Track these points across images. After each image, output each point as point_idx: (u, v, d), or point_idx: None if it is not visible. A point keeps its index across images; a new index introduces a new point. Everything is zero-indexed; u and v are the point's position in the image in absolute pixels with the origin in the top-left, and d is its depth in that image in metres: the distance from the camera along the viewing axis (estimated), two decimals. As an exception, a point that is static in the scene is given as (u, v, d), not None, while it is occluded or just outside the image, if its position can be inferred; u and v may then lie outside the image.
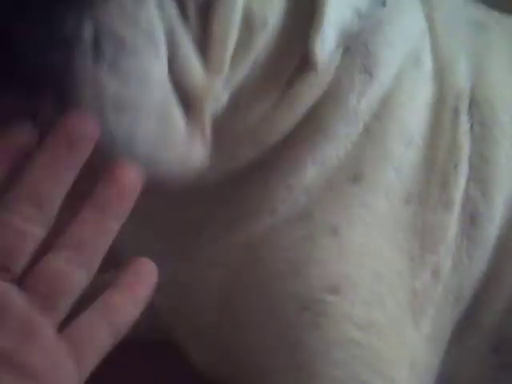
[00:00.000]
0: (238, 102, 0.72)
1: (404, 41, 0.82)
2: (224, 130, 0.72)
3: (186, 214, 0.81)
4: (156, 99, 0.62)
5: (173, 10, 0.63)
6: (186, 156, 0.68)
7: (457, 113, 0.83)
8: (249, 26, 0.68)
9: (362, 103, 0.79)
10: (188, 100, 0.66)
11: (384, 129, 0.80)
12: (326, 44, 0.72)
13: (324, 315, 0.77)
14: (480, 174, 0.82)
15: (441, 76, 0.83)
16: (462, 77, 0.84)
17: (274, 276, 0.78)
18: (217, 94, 0.69)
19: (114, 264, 0.72)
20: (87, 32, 0.57)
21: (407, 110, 0.81)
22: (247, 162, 0.78)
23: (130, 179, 0.59)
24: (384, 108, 0.80)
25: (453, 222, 0.81)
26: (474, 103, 0.83)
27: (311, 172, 0.78)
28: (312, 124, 0.78)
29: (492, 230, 0.83)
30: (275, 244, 0.78)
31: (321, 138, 0.78)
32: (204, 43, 0.65)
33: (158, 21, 0.62)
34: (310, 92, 0.77)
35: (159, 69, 0.62)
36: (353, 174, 0.78)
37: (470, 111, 0.83)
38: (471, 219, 0.82)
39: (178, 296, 0.84)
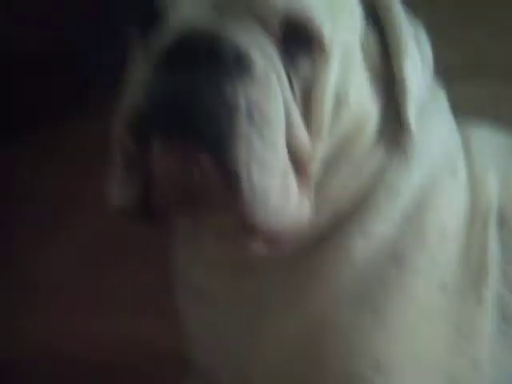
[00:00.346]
0: (326, 169, 0.84)
1: (441, 139, 0.93)
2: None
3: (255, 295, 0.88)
4: (280, 161, 0.76)
5: (287, 90, 0.78)
6: (299, 212, 0.79)
7: (487, 221, 0.92)
8: (337, 100, 0.82)
9: (405, 186, 0.89)
10: (297, 163, 0.78)
11: (423, 219, 0.89)
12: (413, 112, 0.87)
13: None
14: (509, 276, 0.90)
15: (473, 190, 0.93)
16: (491, 193, 0.94)
17: (329, 355, 0.85)
18: (318, 159, 0.81)
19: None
20: (242, 101, 0.73)
21: (445, 210, 0.90)
22: (312, 237, 0.86)
23: None
24: (424, 201, 0.89)
25: (485, 317, 0.89)
26: (502, 216, 0.93)
27: (359, 245, 0.87)
28: (362, 200, 0.88)
29: None
30: (331, 324, 0.86)
31: (368, 214, 0.87)
32: (306, 116, 0.80)
33: (280, 98, 0.77)
34: (374, 161, 0.88)
35: (282, 137, 0.76)
36: (393, 255, 0.87)
37: (499, 221, 0.93)
38: (503, 316, 0.90)
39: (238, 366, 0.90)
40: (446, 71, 0.95)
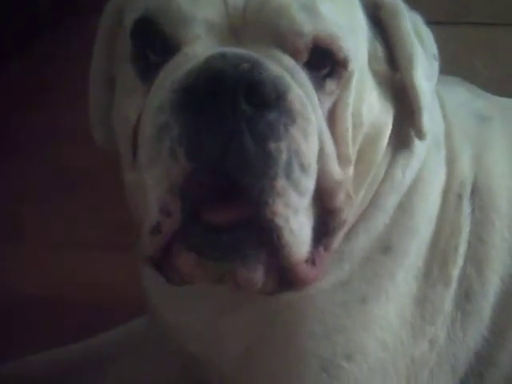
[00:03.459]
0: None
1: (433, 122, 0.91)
2: None
3: None
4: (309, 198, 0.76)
5: (320, 117, 0.77)
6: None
7: (460, 198, 0.91)
8: (352, 122, 0.80)
9: (406, 175, 0.89)
10: (325, 193, 0.77)
11: (413, 204, 0.89)
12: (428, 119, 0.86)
13: (337, 379, 0.85)
14: (477, 254, 0.90)
15: (450, 163, 0.92)
16: (466, 166, 0.93)
17: (307, 335, 0.86)
18: (347, 191, 0.80)
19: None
20: (284, 155, 0.72)
21: (431, 188, 0.90)
22: None
23: None
24: (414, 184, 0.89)
25: (449, 297, 0.89)
26: (475, 190, 0.92)
27: (361, 242, 0.87)
28: (369, 199, 0.87)
29: (486, 305, 0.90)
30: (317, 306, 0.86)
31: (373, 210, 0.88)
32: (333, 138, 0.78)
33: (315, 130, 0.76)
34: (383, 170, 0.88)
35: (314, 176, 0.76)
36: (384, 245, 0.88)
37: (472, 197, 0.92)
38: (466, 295, 0.90)
39: (210, 343, 0.90)
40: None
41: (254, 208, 0.72)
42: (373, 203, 0.88)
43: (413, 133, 0.87)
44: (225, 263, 0.75)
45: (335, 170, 0.77)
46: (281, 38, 0.75)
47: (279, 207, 0.72)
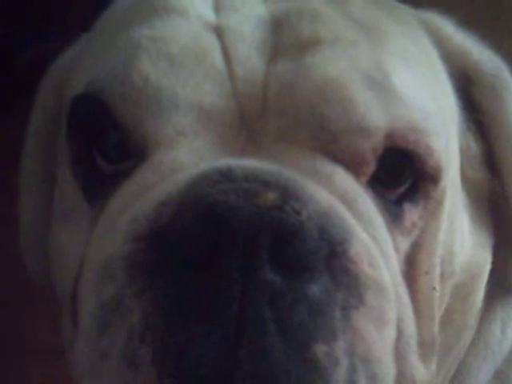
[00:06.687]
0: None
1: None
2: None
3: None
4: None
5: (394, 268, 0.48)
6: None
7: None
8: (442, 275, 0.52)
9: (509, 333, 0.62)
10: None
11: None
12: None
13: None
14: None
15: None
16: None
17: None
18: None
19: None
20: (343, 364, 0.42)
21: None
22: None
23: None
24: None
25: None
26: None
27: None
28: (462, 360, 0.62)
29: None
30: None
31: (467, 375, 0.62)
32: (411, 289, 0.49)
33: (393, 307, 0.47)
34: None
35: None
36: None
37: None
38: None
39: None
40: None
41: None
42: (468, 369, 0.61)
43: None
44: None
45: (417, 367, 0.49)
46: (331, 137, 0.44)
47: None
